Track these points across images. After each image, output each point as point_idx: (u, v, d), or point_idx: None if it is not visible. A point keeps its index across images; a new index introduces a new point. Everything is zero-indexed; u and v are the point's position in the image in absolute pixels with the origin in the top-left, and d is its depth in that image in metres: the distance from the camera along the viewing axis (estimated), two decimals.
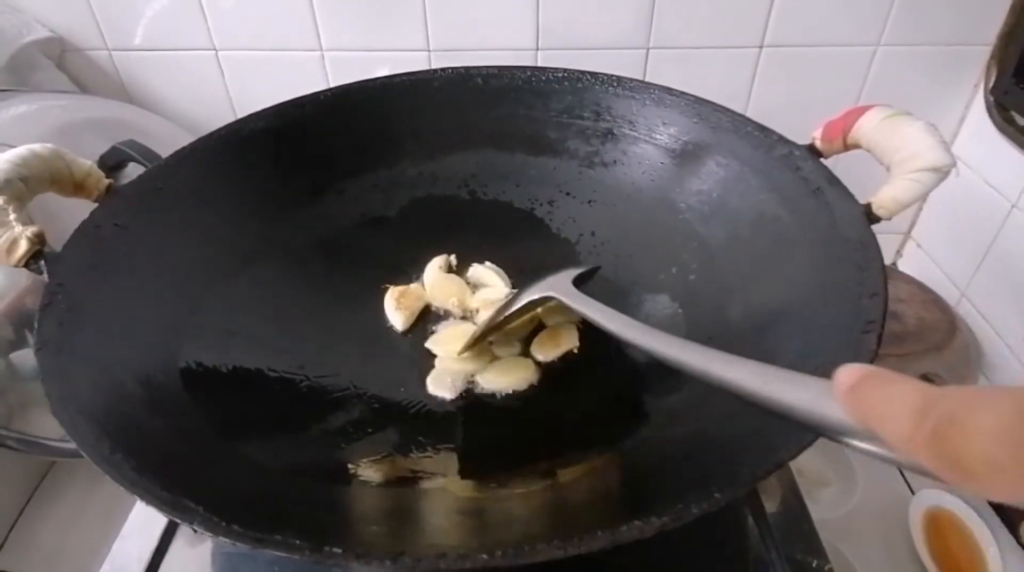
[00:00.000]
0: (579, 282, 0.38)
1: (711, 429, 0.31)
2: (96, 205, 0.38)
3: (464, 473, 0.34)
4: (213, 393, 0.35)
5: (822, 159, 0.38)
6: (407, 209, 0.49)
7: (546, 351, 0.41)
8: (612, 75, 0.47)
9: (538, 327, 0.43)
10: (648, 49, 0.64)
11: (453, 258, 0.47)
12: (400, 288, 0.44)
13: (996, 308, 0.64)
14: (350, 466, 0.34)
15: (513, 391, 0.39)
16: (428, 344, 0.42)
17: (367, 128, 0.49)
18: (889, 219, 0.34)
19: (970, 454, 0.14)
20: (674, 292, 0.42)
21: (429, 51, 0.66)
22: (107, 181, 0.38)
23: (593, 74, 0.47)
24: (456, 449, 0.36)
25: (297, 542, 0.23)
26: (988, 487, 0.14)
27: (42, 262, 0.33)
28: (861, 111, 0.36)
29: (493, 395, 0.39)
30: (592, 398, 0.39)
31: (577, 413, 0.38)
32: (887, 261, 0.72)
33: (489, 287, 0.45)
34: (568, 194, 0.49)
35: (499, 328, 0.40)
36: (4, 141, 0.48)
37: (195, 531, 0.23)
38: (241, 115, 0.46)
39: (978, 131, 0.64)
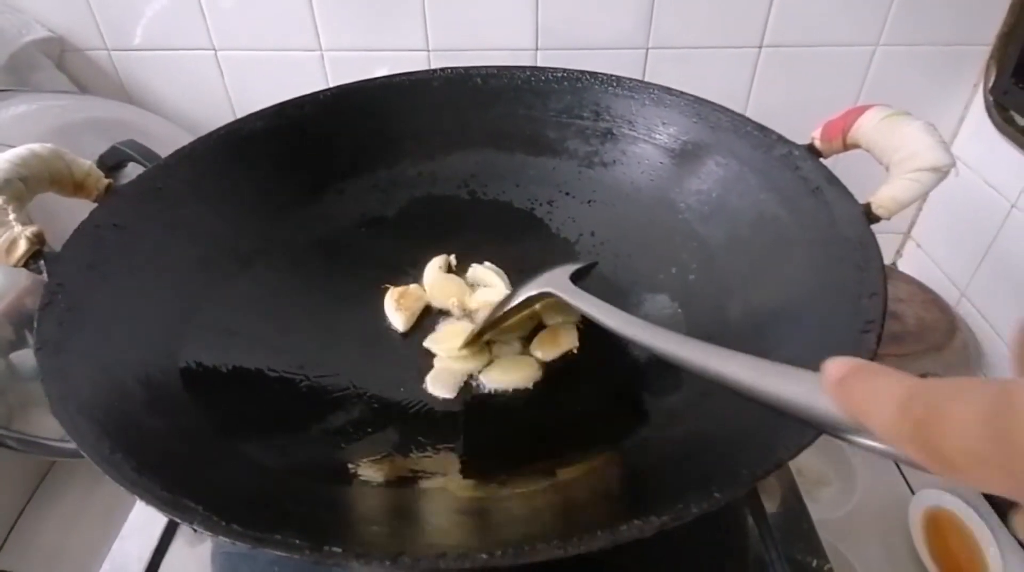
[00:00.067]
0: (577, 278, 0.38)
1: (711, 429, 0.31)
2: (95, 205, 0.38)
3: (464, 473, 0.34)
4: (213, 393, 0.35)
5: (821, 159, 0.38)
6: (407, 209, 0.49)
7: (546, 351, 0.41)
8: (611, 75, 0.47)
9: (538, 326, 0.43)
10: (647, 49, 0.64)
11: (453, 258, 0.47)
12: (400, 288, 0.44)
13: (996, 308, 0.64)
14: (350, 466, 0.34)
15: (514, 390, 0.39)
16: (426, 343, 0.42)
17: (367, 128, 0.49)
18: (888, 219, 0.34)
19: (951, 445, 0.14)
20: (674, 292, 0.42)
21: (428, 51, 0.66)
22: (106, 181, 0.38)
23: (592, 74, 0.48)
24: (456, 449, 0.36)
25: (297, 541, 0.23)
26: (970, 477, 0.14)
27: (41, 262, 0.33)
28: (860, 111, 0.36)
29: (493, 395, 0.39)
30: (592, 398, 0.39)
31: (577, 413, 0.38)
32: (887, 261, 0.72)
33: (489, 287, 0.45)
34: (568, 194, 0.49)
35: (497, 324, 0.40)
36: (4, 141, 0.48)
37: (195, 530, 0.23)
38: (241, 115, 0.46)
39: (977, 131, 0.64)
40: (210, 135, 0.44)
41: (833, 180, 0.36)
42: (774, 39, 0.63)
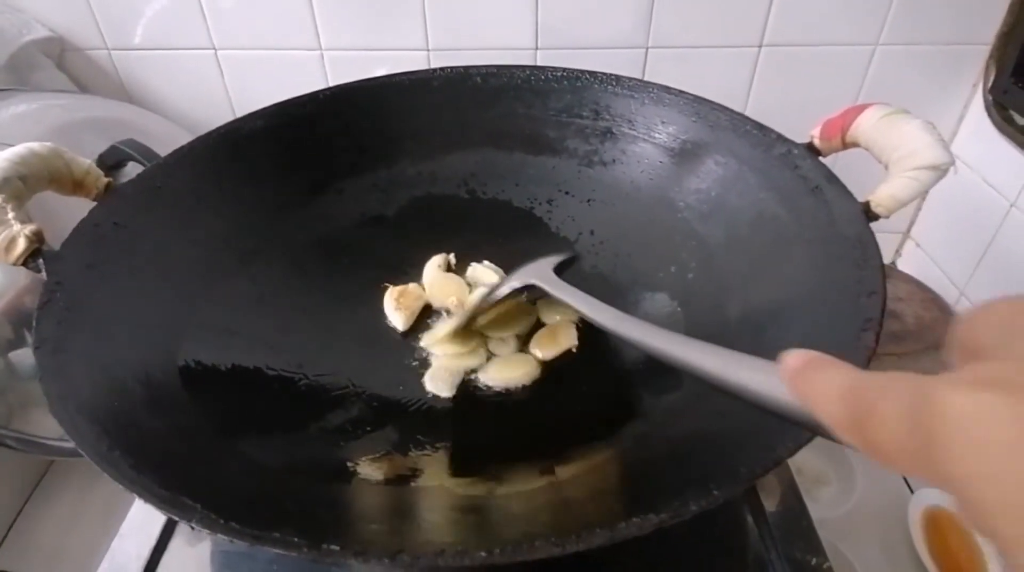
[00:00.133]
0: (559, 270, 0.39)
1: (710, 427, 0.31)
2: (95, 204, 0.38)
3: (463, 471, 0.34)
4: (212, 391, 0.35)
5: (820, 157, 0.38)
6: (406, 208, 0.49)
7: (545, 349, 0.41)
8: (611, 74, 0.47)
9: (537, 325, 0.43)
10: (647, 48, 0.64)
11: (452, 257, 0.47)
12: (399, 287, 0.45)
13: None
14: (349, 464, 0.34)
15: (513, 388, 0.39)
16: (423, 342, 0.42)
17: (366, 127, 0.49)
18: (887, 217, 0.34)
19: (881, 437, 0.15)
20: (673, 290, 0.42)
21: (428, 50, 0.66)
22: (106, 180, 0.38)
23: (592, 73, 0.48)
24: (455, 447, 0.36)
25: (295, 539, 0.23)
26: (898, 466, 0.15)
27: (40, 260, 0.33)
28: (859, 109, 0.36)
29: (492, 393, 0.39)
30: (591, 396, 0.39)
31: (576, 411, 0.38)
32: (886, 260, 0.72)
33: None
34: (567, 193, 0.49)
35: (481, 314, 0.41)
36: (4, 140, 0.48)
37: (193, 528, 0.23)
38: (240, 114, 0.46)
39: (977, 130, 0.64)
40: (210, 134, 0.44)
41: (832, 179, 0.36)
42: (774, 38, 0.63)
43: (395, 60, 0.66)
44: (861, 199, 0.34)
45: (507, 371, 0.40)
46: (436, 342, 0.41)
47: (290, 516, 0.27)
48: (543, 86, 0.48)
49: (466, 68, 0.49)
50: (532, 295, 0.41)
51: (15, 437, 0.46)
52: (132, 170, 0.45)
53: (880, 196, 0.34)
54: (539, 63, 0.65)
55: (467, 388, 0.39)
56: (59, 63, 0.67)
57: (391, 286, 0.45)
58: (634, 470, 0.33)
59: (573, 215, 0.48)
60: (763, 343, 0.33)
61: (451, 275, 0.46)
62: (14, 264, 0.33)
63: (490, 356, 0.41)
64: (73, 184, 0.37)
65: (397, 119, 0.49)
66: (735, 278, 0.39)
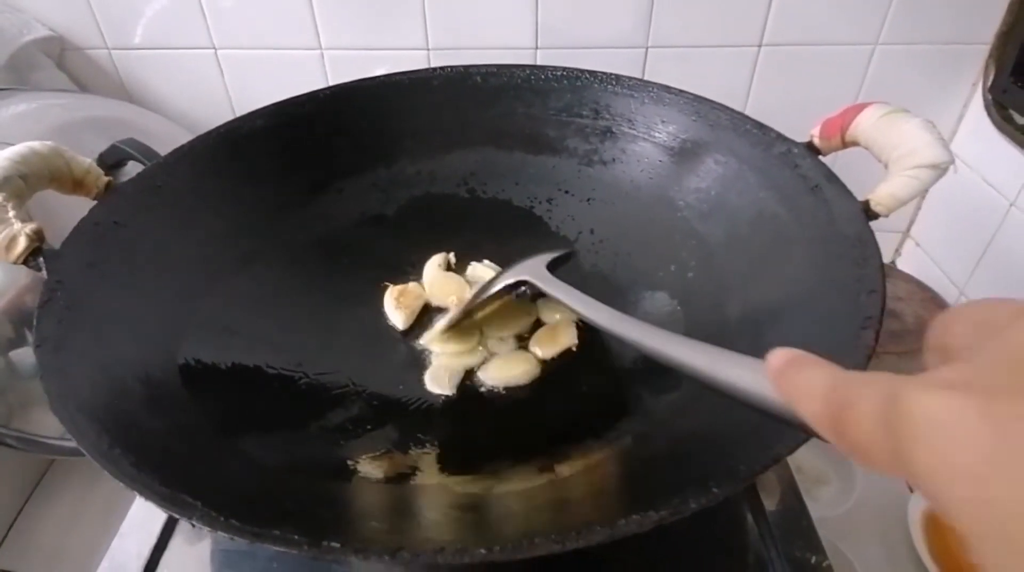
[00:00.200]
0: (554, 266, 0.40)
1: (709, 425, 0.31)
2: (95, 202, 0.38)
3: (462, 469, 0.34)
4: (212, 390, 0.35)
5: (820, 156, 0.38)
6: (406, 208, 0.49)
7: (545, 348, 0.41)
8: (611, 73, 0.47)
9: (537, 324, 0.43)
10: (647, 48, 0.64)
11: (452, 256, 0.47)
12: (399, 287, 0.45)
13: None
14: (349, 462, 0.34)
15: (513, 386, 0.39)
16: (422, 341, 0.42)
17: (366, 127, 0.49)
18: (887, 216, 0.34)
19: (856, 435, 0.15)
20: (673, 289, 0.42)
21: (428, 50, 0.66)
22: (106, 179, 0.38)
23: (592, 72, 0.48)
24: (455, 445, 0.36)
25: (296, 537, 0.23)
26: (873, 465, 0.15)
27: (41, 259, 0.33)
28: (859, 108, 0.36)
29: (492, 392, 0.39)
30: (591, 395, 0.39)
31: (575, 409, 0.38)
32: (886, 260, 0.72)
33: None
34: (567, 192, 0.49)
35: (476, 311, 0.41)
36: (4, 139, 0.48)
37: (194, 526, 0.23)
38: (240, 114, 0.46)
39: (976, 130, 0.64)
40: (210, 133, 0.44)
41: (832, 178, 0.36)
42: (773, 38, 0.63)
43: (395, 59, 0.66)
44: (861, 198, 0.34)
45: (507, 370, 0.40)
46: (433, 339, 0.41)
47: (290, 514, 0.27)
48: (543, 85, 0.48)
49: (466, 67, 0.49)
50: (532, 293, 0.41)
51: (15, 436, 0.46)
52: (132, 169, 0.45)
53: (880, 195, 0.34)
54: (539, 63, 0.65)
55: (467, 387, 0.39)
56: (59, 62, 0.67)
57: (391, 285, 0.45)
58: (634, 468, 0.33)
59: (573, 214, 0.48)
60: (763, 341, 0.33)
61: (451, 274, 0.46)
62: (15, 262, 0.33)
63: (490, 355, 0.41)
64: (73, 183, 0.37)
65: (397, 118, 0.49)
66: (735, 277, 0.39)
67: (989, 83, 0.62)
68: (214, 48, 0.67)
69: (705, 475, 0.24)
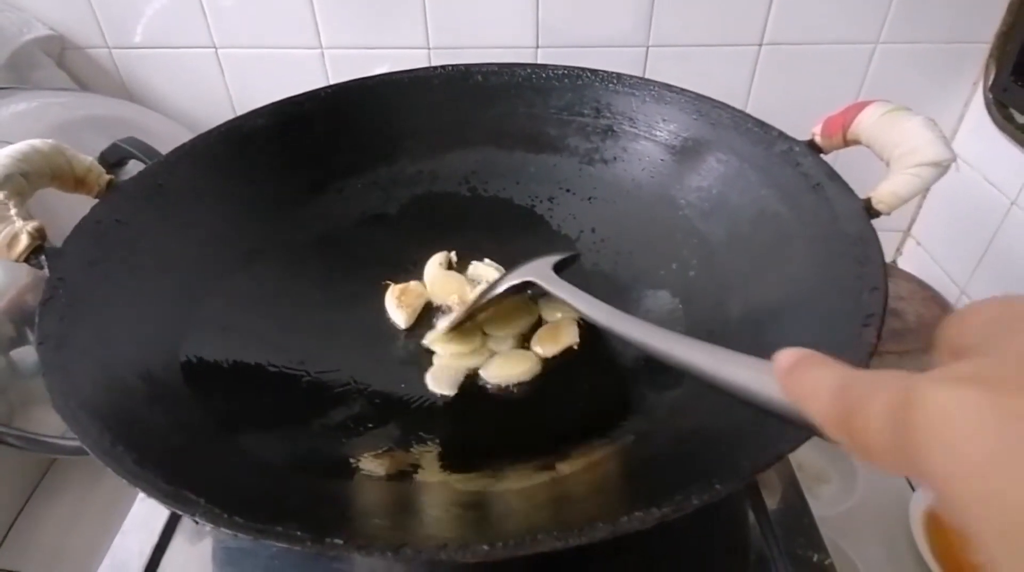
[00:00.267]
0: (560, 268, 0.39)
1: (711, 423, 0.31)
2: (97, 201, 0.38)
3: (464, 467, 0.34)
4: (214, 388, 0.35)
5: (822, 155, 0.38)
6: (407, 206, 0.49)
7: (546, 346, 0.41)
8: (612, 72, 0.47)
9: (538, 324, 0.43)
10: (648, 47, 0.64)
11: (453, 255, 0.47)
12: (401, 285, 0.45)
13: None
14: (351, 460, 0.34)
15: (515, 384, 0.39)
16: (425, 341, 0.42)
17: (367, 126, 0.49)
18: (889, 214, 0.34)
19: (866, 435, 0.15)
20: (674, 288, 0.42)
21: (429, 49, 0.66)
22: (108, 177, 0.38)
23: (593, 71, 0.48)
24: (457, 443, 0.36)
25: (299, 533, 0.23)
26: (883, 464, 0.15)
27: (43, 257, 0.33)
28: (860, 107, 0.36)
29: (493, 390, 0.39)
30: (592, 393, 0.39)
31: (578, 407, 0.38)
32: (887, 259, 0.72)
33: None
34: (568, 191, 0.49)
35: (480, 312, 0.41)
36: (4, 138, 0.48)
37: (196, 523, 0.23)
38: (241, 113, 0.46)
39: (977, 128, 0.64)
40: (210, 132, 0.44)
41: (833, 176, 0.36)
42: (774, 37, 0.63)
43: (396, 59, 0.66)
44: (862, 196, 0.34)
45: (508, 368, 0.40)
46: (435, 339, 0.41)
47: (293, 511, 0.27)
48: (544, 84, 0.48)
49: (467, 66, 0.49)
50: (534, 293, 0.41)
51: (17, 435, 0.46)
52: (133, 168, 0.45)
53: (881, 193, 0.34)
54: (540, 61, 0.65)
55: (469, 385, 0.39)
56: (59, 61, 0.67)
57: (392, 284, 0.45)
58: (635, 466, 0.33)
59: (574, 213, 0.48)
60: (764, 340, 0.33)
61: (452, 273, 0.46)
62: (16, 260, 0.33)
63: (491, 354, 0.41)
64: (75, 181, 0.37)
65: (398, 117, 0.49)
66: (736, 275, 0.39)
67: (990, 82, 0.62)
68: (215, 47, 0.67)
69: (707, 471, 0.24)
